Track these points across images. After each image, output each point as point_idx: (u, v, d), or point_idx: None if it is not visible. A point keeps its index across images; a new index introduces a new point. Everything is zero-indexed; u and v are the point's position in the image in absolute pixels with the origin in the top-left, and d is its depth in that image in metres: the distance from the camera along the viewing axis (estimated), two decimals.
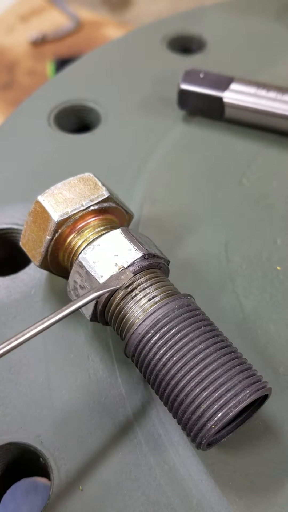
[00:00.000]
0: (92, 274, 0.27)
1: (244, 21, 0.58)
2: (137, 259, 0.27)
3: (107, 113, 0.46)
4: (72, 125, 0.47)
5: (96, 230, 0.29)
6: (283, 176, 0.40)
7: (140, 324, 0.25)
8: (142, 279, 0.27)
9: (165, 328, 0.25)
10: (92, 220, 0.29)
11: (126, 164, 0.41)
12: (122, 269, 0.26)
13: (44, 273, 0.34)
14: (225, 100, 0.42)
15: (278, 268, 0.34)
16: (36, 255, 0.30)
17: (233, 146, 0.43)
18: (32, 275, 0.34)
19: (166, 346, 0.24)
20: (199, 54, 0.53)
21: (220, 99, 0.42)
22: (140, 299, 0.26)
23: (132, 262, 0.27)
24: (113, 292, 0.27)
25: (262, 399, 0.25)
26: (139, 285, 0.27)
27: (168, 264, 0.29)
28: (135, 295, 0.26)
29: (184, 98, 0.43)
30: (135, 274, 0.27)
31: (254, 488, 0.25)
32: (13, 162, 0.42)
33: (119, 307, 0.27)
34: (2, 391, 0.29)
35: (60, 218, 0.28)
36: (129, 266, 0.27)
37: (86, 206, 0.29)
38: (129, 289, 0.26)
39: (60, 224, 0.28)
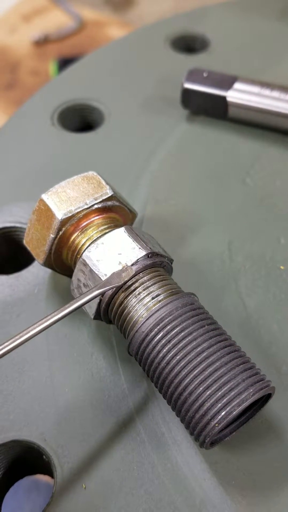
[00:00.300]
0: (96, 272, 0.27)
1: (248, 20, 0.57)
2: (140, 257, 0.27)
3: (111, 112, 0.46)
4: (75, 124, 0.48)
5: (100, 228, 0.29)
6: (287, 175, 0.40)
7: (144, 322, 0.25)
8: (145, 278, 0.27)
9: (168, 327, 0.25)
10: (96, 219, 0.29)
11: (129, 163, 0.41)
12: (125, 267, 0.26)
13: (48, 271, 0.34)
14: (228, 99, 0.42)
15: (282, 267, 0.34)
16: (40, 253, 0.30)
17: (236, 145, 0.43)
18: (36, 274, 0.34)
19: (170, 345, 0.24)
20: (202, 54, 0.53)
21: (223, 98, 0.42)
22: (143, 298, 0.26)
23: (136, 261, 0.27)
24: (116, 291, 0.27)
25: (266, 398, 0.25)
26: (142, 283, 0.27)
27: (171, 263, 0.29)
28: (139, 294, 0.26)
29: (188, 97, 0.43)
30: (139, 273, 0.27)
31: (257, 486, 0.25)
32: (17, 161, 0.42)
33: (122, 305, 0.27)
34: (6, 389, 0.29)
35: (64, 217, 0.28)
36: (132, 264, 0.27)
37: (90, 205, 0.29)
38: (132, 288, 0.26)
39: (64, 222, 0.28)
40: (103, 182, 0.30)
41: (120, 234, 0.28)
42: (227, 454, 0.26)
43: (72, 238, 0.29)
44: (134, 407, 0.28)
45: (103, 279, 0.26)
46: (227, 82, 0.42)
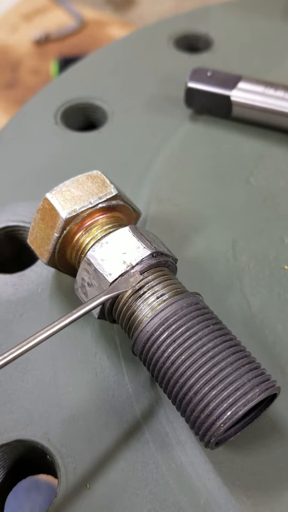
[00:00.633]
0: (100, 271, 0.27)
1: (251, 20, 0.57)
2: (145, 257, 0.27)
3: (114, 112, 0.46)
4: (79, 123, 0.47)
5: (104, 227, 0.29)
6: None
7: (149, 322, 0.25)
8: (150, 277, 0.27)
9: (173, 326, 0.25)
10: (100, 218, 0.29)
11: (133, 162, 0.41)
12: (131, 267, 0.26)
13: (51, 270, 0.34)
14: (232, 98, 0.42)
15: (286, 267, 0.34)
16: (43, 252, 0.29)
17: (240, 144, 0.42)
18: (39, 273, 0.34)
19: (175, 344, 0.24)
20: (205, 53, 0.53)
21: (227, 98, 0.42)
22: (148, 297, 0.26)
23: (141, 260, 0.27)
24: None
25: (271, 398, 0.25)
26: (147, 283, 0.26)
27: (176, 262, 0.29)
28: (143, 293, 0.26)
29: (191, 97, 0.43)
30: (143, 272, 0.27)
31: (262, 487, 0.25)
32: (20, 160, 0.42)
33: (127, 305, 0.27)
34: (9, 389, 0.29)
35: (68, 216, 0.28)
36: (137, 264, 0.27)
37: (94, 204, 0.29)
38: (137, 287, 0.26)
39: (68, 221, 0.28)
40: (108, 181, 0.30)
41: (125, 233, 0.28)
42: (231, 454, 0.26)
43: (76, 237, 0.29)
44: (138, 407, 0.28)
45: (107, 279, 0.26)
46: (231, 82, 0.42)
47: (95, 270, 0.27)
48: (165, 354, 0.24)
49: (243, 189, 0.39)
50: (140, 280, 0.26)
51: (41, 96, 0.48)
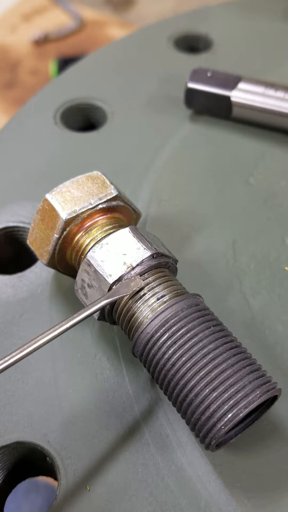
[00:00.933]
0: (101, 273, 0.27)
1: (251, 20, 0.57)
2: (145, 258, 0.27)
3: (114, 112, 0.46)
4: (78, 123, 0.47)
5: (104, 228, 0.29)
6: None
7: (149, 323, 0.25)
8: (150, 279, 0.27)
9: (174, 328, 0.25)
10: (100, 219, 0.29)
11: (133, 163, 0.41)
12: (131, 268, 0.26)
13: (51, 271, 0.34)
14: (232, 99, 0.42)
15: (286, 268, 0.34)
16: (43, 253, 0.29)
17: (240, 145, 0.42)
18: (39, 274, 0.34)
19: (175, 346, 0.24)
20: (205, 53, 0.53)
21: (227, 98, 0.42)
22: (148, 299, 0.26)
23: (141, 261, 0.27)
24: None
25: (272, 400, 0.25)
26: (147, 284, 0.26)
27: (176, 263, 0.29)
28: (144, 295, 0.26)
29: (191, 97, 0.43)
30: (144, 274, 0.27)
31: (263, 489, 0.25)
32: (20, 161, 0.42)
33: (127, 306, 0.26)
34: (9, 390, 0.29)
35: (68, 217, 0.28)
36: (137, 265, 0.26)
37: (95, 205, 0.29)
38: (137, 289, 0.26)
39: (68, 222, 0.28)
40: (108, 182, 0.30)
41: (125, 234, 0.28)
42: (232, 456, 0.26)
43: (76, 238, 0.29)
44: (138, 408, 0.28)
45: (107, 280, 0.26)
46: (231, 82, 0.42)
47: (95, 271, 0.27)
48: (166, 356, 0.24)
49: (243, 190, 0.39)
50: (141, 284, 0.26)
51: (40, 96, 0.48)
